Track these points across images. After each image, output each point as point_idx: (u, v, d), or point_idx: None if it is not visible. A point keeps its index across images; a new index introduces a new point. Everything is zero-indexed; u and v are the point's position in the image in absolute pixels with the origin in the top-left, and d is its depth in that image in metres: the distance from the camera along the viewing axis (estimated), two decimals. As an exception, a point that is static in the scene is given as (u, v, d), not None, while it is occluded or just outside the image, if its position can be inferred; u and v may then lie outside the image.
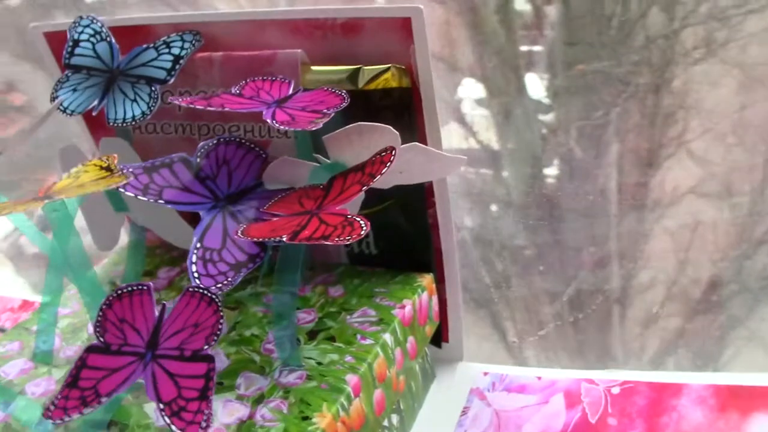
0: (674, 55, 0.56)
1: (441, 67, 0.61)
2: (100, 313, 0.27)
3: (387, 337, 0.33)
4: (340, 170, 0.30)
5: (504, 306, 0.64)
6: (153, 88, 0.34)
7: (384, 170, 0.28)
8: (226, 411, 0.29)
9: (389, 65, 0.32)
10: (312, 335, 0.33)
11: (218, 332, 0.26)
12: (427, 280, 0.36)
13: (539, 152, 0.63)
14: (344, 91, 0.31)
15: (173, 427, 0.24)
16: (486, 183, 0.65)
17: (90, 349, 0.27)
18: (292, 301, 0.31)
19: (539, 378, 0.37)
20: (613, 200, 0.60)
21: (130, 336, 0.27)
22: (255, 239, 0.27)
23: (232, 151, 0.32)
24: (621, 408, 0.34)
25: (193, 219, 0.36)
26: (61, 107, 0.34)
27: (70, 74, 0.36)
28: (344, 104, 0.31)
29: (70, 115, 0.34)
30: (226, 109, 0.30)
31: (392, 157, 0.28)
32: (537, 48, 0.60)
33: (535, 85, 0.61)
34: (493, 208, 0.65)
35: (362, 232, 0.25)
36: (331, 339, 0.32)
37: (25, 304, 0.51)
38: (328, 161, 0.31)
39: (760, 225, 0.59)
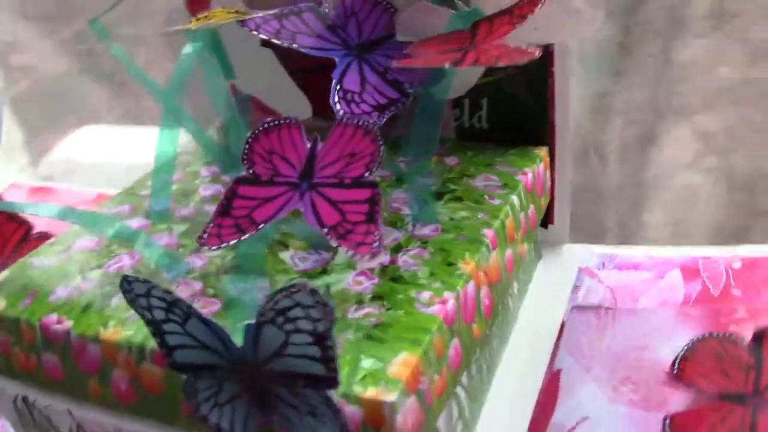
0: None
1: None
2: (247, 146, 0.26)
3: (514, 199, 0.32)
4: (479, 17, 0.29)
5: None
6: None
7: (536, 9, 0.27)
8: (365, 257, 0.28)
9: None
10: (438, 196, 0.32)
11: (379, 160, 0.25)
12: (543, 152, 0.35)
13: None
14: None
15: (342, 248, 0.23)
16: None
17: (239, 180, 0.26)
18: (428, 157, 0.30)
19: (651, 257, 0.37)
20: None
21: (281, 167, 0.26)
22: (411, 67, 0.26)
23: (360, 3, 0.31)
24: (744, 280, 0.34)
25: (306, 85, 0.36)
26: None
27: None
28: None
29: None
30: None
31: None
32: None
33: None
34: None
35: (537, 54, 0.24)
36: (458, 199, 0.32)
37: (100, 197, 0.50)
38: (467, 8, 0.30)
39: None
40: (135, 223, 0.33)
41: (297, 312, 0.21)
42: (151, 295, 0.23)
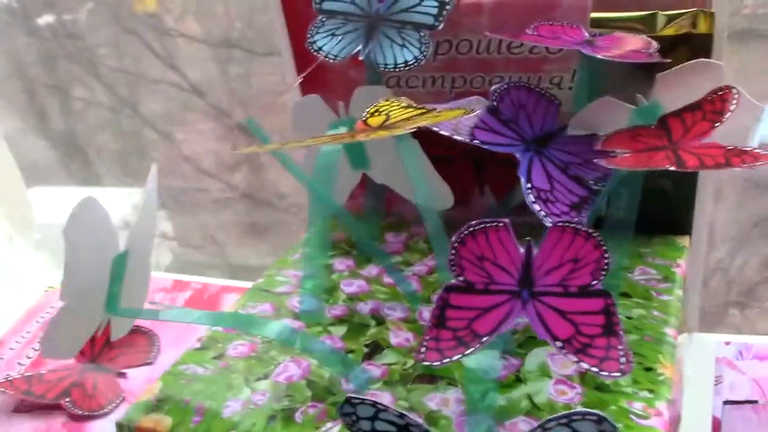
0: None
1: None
2: (453, 251, 0.25)
3: (680, 293, 0.31)
4: (660, 112, 0.28)
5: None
6: (422, 34, 0.32)
7: (731, 108, 0.26)
8: (555, 364, 0.27)
9: (694, 9, 0.31)
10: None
11: (605, 267, 0.24)
12: (686, 241, 0.35)
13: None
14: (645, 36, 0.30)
15: (584, 365, 0.22)
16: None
17: (450, 288, 0.25)
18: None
19: (791, 346, 0.36)
20: None
21: (496, 274, 0.25)
22: (628, 167, 0.25)
23: (525, 96, 0.31)
24: None
25: (446, 177, 0.35)
26: (323, 52, 0.33)
27: (324, 19, 0.34)
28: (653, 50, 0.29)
29: (334, 59, 0.32)
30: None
31: (734, 95, 0.27)
32: None
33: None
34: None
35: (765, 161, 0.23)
36: (626, 295, 0.31)
37: (178, 284, 0.48)
38: (647, 103, 0.29)
39: None
40: (285, 326, 0.31)
41: (572, 440, 0.20)
42: (378, 418, 0.22)
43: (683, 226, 0.35)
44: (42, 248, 0.61)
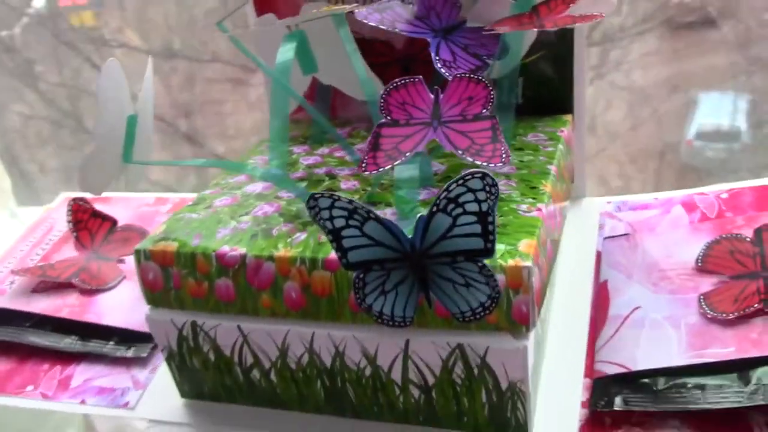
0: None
1: None
2: (382, 100, 0.34)
3: (561, 147, 0.41)
4: (534, 3, 0.38)
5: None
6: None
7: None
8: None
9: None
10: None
11: (492, 99, 0.33)
12: (569, 117, 0.45)
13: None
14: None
15: (477, 162, 0.31)
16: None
17: (381, 125, 0.34)
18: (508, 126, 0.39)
19: (656, 198, 0.46)
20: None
21: (414, 113, 0.34)
22: (502, 30, 0.35)
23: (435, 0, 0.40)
24: (733, 204, 0.43)
25: (382, 78, 0.43)
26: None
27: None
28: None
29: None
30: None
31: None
32: None
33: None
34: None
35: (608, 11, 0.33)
36: (520, 149, 0.40)
37: (158, 200, 0.56)
38: (524, -2, 0.39)
39: None
40: (258, 187, 0.40)
41: (467, 197, 0.29)
42: (334, 207, 0.31)
43: (566, 107, 0.45)
44: None
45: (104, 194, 0.59)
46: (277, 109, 0.40)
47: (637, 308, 0.38)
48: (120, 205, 0.55)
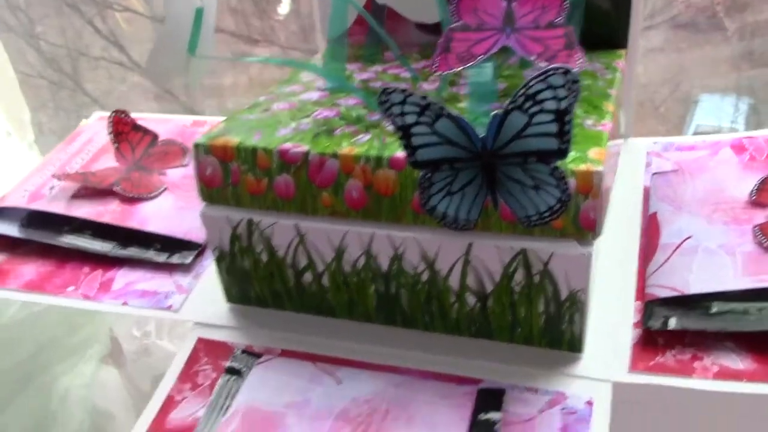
0: None
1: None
2: (454, 5, 0.34)
3: (618, 75, 0.40)
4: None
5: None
6: None
7: None
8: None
9: None
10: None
11: (565, 8, 0.33)
12: (624, 51, 0.44)
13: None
14: None
15: (552, 66, 0.31)
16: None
17: (453, 29, 0.33)
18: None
19: (704, 140, 0.46)
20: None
21: (486, 18, 0.33)
22: None
23: None
24: (783, 148, 0.43)
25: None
26: None
27: None
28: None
29: None
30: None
31: None
32: None
33: None
34: None
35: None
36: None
37: (197, 123, 0.56)
38: None
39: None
40: (315, 95, 0.39)
41: (546, 94, 0.28)
42: (406, 102, 0.30)
43: (621, 42, 0.45)
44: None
45: (141, 114, 0.58)
46: (335, 22, 0.40)
47: (688, 238, 0.38)
48: (159, 124, 0.55)
